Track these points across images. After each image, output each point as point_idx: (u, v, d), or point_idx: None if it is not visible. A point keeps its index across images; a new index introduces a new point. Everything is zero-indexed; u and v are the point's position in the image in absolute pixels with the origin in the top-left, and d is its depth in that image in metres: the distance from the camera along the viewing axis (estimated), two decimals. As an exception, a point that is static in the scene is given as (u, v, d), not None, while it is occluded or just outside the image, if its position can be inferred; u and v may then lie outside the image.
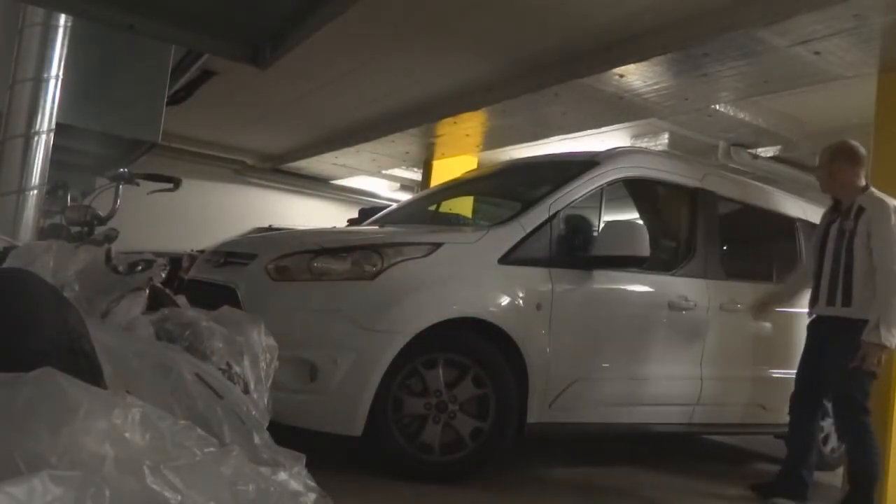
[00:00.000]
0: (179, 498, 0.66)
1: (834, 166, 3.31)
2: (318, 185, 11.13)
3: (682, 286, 3.78)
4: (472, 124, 6.39)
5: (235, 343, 1.29)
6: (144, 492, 0.65)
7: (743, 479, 4.05)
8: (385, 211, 4.85)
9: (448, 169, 7.50)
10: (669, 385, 3.73)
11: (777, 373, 4.08)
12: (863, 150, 3.33)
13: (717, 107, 5.32)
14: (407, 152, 7.89)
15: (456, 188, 4.92)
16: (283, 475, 0.82)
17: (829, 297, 3.25)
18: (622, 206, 4.37)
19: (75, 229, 2.97)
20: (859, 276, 3.14)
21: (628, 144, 6.61)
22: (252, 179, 10.84)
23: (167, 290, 1.50)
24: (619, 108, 5.33)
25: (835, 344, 3.23)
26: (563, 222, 3.43)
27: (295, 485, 0.82)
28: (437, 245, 3.14)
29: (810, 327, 3.51)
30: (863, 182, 3.28)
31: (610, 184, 3.67)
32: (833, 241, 3.26)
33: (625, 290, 3.60)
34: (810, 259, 3.54)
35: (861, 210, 3.18)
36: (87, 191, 3.53)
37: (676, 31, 4.06)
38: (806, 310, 3.55)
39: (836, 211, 3.36)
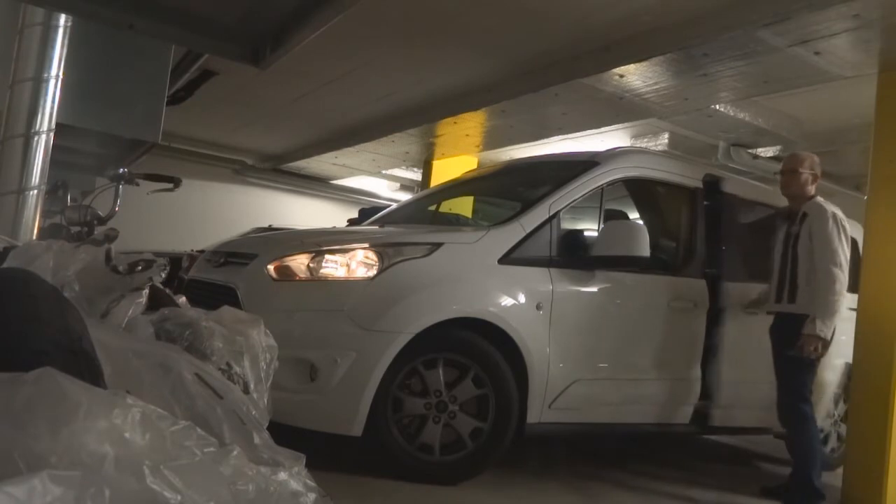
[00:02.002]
0: (179, 498, 0.66)
1: (804, 174, 3.58)
2: (318, 185, 11.12)
3: (682, 286, 3.78)
4: (472, 124, 6.38)
5: (235, 343, 1.29)
6: (144, 492, 0.65)
7: (743, 479, 4.06)
8: (385, 211, 4.85)
9: (448, 169, 7.50)
10: (669, 385, 3.73)
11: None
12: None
13: (717, 107, 5.31)
14: (407, 152, 7.88)
15: (456, 188, 4.92)
16: (283, 475, 0.82)
17: (777, 294, 3.58)
18: (622, 207, 4.37)
19: (75, 229, 2.98)
20: (802, 275, 3.45)
21: (628, 144, 6.61)
22: (252, 179, 10.83)
23: (167, 290, 1.50)
24: (619, 108, 5.32)
25: (781, 337, 3.53)
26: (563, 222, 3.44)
27: (295, 485, 0.82)
28: (437, 245, 3.15)
29: (770, 331, 3.67)
30: (813, 192, 3.59)
31: (610, 184, 3.67)
32: (781, 244, 3.60)
33: (625, 291, 3.59)
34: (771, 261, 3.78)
35: (805, 216, 3.52)
36: (87, 191, 3.53)
37: (676, 31, 4.05)
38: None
39: (787, 217, 3.66)
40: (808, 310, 3.39)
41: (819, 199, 3.56)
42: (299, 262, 3.07)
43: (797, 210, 3.58)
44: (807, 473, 3.42)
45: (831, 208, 3.47)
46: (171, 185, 3.32)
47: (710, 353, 3.89)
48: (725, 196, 4.15)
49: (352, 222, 5.06)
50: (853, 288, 3.78)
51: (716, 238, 4.03)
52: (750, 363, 3.91)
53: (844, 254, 3.38)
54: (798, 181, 3.58)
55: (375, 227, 4.04)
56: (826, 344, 3.34)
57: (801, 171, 3.58)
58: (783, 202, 3.81)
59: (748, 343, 3.93)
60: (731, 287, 3.95)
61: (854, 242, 4.49)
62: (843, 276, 3.35)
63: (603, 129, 6.10)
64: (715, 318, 3.90)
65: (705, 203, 4.02)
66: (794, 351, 3.35)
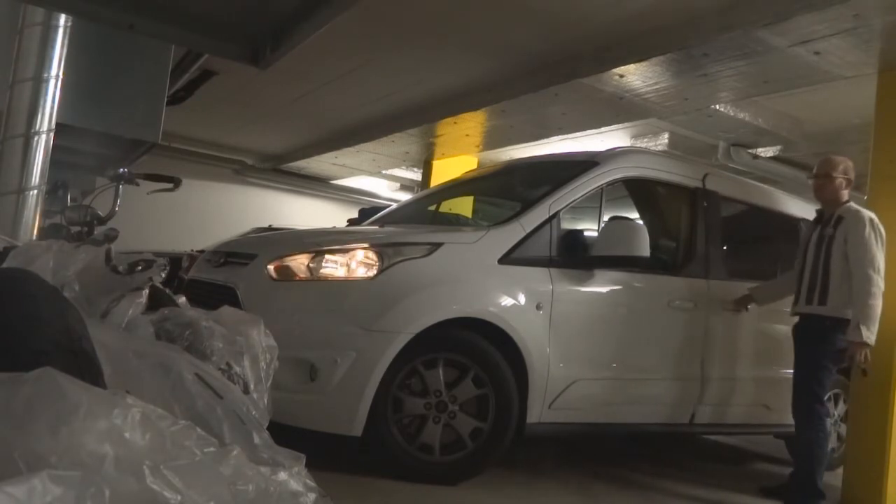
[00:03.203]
0: (179, 498, 0.66)
1: (837, 178, 3.57)
2: (318, 185, 11.12)
3: (683, 286, 3.78)
4: (472, 124, 6.38)
5: (235, 343, 1.29)
6: (144, 492, 0.65)
7: (743, 479, 4.06)
8: (385, 211, 4.85)
9: (448, 169, 7.50)
10: (669, 385, 3.73)
11: (777, 373, 4.08)
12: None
13: (717, 107, 5.31)
14: (407, 152, 7.89)
15: (456, 188, 4.91)
16: (283, 475, 0.82)
17: (808, 296, 3.55)
18: (622, 207, 4.37)
19: (75, 229, 2.97)
20: (835, 278, 3.44)
21: (628, 144, 6.61)
22: (252, 179, 10.83)
23: (167, 290, 1.49)
24: (619, 108, 5.32)
25: (807, 337, 3.53)
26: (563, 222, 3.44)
27: (295, 485, 0.82)
28: (437, 245, 3.14)
29: (793, 331, 3.68)
30: (846, 197, 3.59)
31: (610, 184, 3.67)
32: (814, 246, 3.60)
33: (625, 290, 3.59)
34: (796, 263, 3.78)
35: (840, 219, 3.51)
36: (87, 191, 3.53)
37: (676, 31, 4.06)
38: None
39: (818, 221, 3.67)
40: (839, 312, 3.39)
41: (853, 203, 3.56)
42: (299, 262, 3.07)
43: (831, 214, 3.57)
44: (811, 473, 3.42)
45: (868, 213, 3.48)
46: (171, 185, 3.32)
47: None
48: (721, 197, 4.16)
49: (352, 222, 5.05)
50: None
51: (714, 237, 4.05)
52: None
53: (882, 259, 3.40)
54: (832, 186, 3.58)
55: (375, 227, 4.04)
56: (871, 350, 3.33)
57: (835, 175, 3.57)
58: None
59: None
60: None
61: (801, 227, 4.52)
62: (880, 281, 3.35)
63: (603, 129, 6.10)
64: None
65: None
66: (845, 362, 3.37)
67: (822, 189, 3.62)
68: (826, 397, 3.45)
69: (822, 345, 3.42)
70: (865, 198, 3.98)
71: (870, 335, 3.28)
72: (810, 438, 3.44)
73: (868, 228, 3.40)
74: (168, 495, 0.66)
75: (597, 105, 5.28)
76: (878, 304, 3.32)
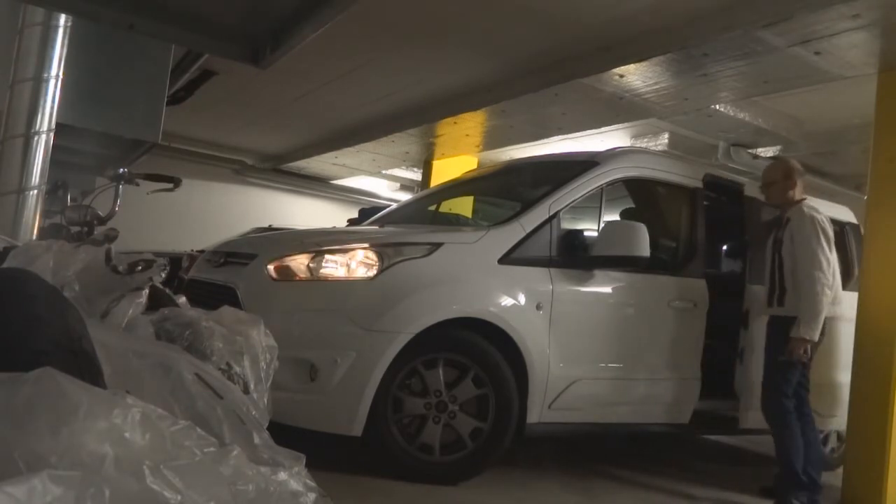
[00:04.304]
0: (179, 498, 0.66)
1: (779, 183, 3.65)
2: (318, 185, 11.12)
3: (682, 286, 3.78)
4: (472, 124, 6.38)
5: (235, 343, 1.29)
6: (144, 492, 0.65)
7: (743, 479, 4.05)
8: (385, 211, 4.85)
9: (448, 169, 7.50)
10: (670, 385, 3.73)
11: (826, 378, 4.02)
12: (800, 168, 3.71)
13: (717, 107, 5.31)
14: (407, 152, 7.88)
15: (456, 188, 4.92)
16: (283, 475, 0.82)
17: (769, 298, 3.64)
18: (622, 207, 4.37)
19: (75, 229, 2.97)
20: (788, 279, 3.51)
21: (628, 144, 6.61)
22: (252, 179, 10.82)
23: (167, 290, 1.50)
24: (619, 108, 5.32)
25: (773, 337, 3.58)
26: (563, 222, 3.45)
27: (295, 485, 0.82)
28: (437, 245, 3.15)
29: (766, 331, 3.71)
30: (797, 196, 3.62)
31: (610, 184, 3.67)
32: (770, 249, 3.67)
33: (625, 291, 3.59)
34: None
35: (788, 221, 3.56)
36: (87, 191, 3.53)
37: (676, 31, 4.05)
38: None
39: (777, 223, 3.74)
40: (795, 312, 3.43)
41: (804, 204, 3.58)
42: (299, 262, 3.07)
43: (781, 216, 3.66)
44: (791, 464, 3.43)
45: (810, 212, 3.51)
46: (171, 185, 3.32)
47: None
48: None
49: (352, 222, 5.06)
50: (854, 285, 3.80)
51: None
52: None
53: (825, 256, 3.42)
54: (776, 190, 3.66)
55: (375, 227, 4.04)
56: (814, 346, 3.39)
57: (777, 179, 3.65)
58: None
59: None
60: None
61: (847, 230, 4.50)
62: (824, 278, 3.38)
63: (603, 129, 6.10)
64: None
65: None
66: (784, 356, 3.40)
67: (771, 196, 3.72)
68: (791, 391, 3.47)
69: (785, 344, 3.44)
70: (865, 198, 3.98)
71: (809, 331, 3.35)
72: (782, 434, 3.48)
73: (808, 228, 3.45)
74: (168, 495, 0.66)
75: (597, 105, 5.28)
76: (820, 302, 3.36)
